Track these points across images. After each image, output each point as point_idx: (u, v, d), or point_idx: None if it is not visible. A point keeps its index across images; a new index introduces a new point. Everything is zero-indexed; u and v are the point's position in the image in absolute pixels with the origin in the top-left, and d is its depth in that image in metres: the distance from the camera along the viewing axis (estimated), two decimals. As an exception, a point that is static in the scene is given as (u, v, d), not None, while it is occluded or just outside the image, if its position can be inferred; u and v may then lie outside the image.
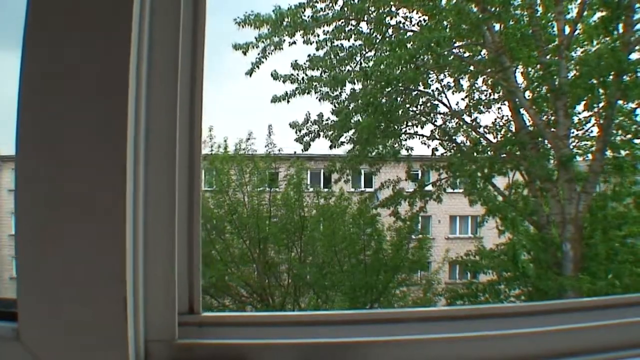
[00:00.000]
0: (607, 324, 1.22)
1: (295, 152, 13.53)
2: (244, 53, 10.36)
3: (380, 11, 10.53)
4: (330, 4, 10.42)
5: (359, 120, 11.05)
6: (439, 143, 12.41)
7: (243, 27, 10.12)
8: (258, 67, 10.48)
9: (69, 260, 0.91)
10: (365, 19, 10.63)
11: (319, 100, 10.85)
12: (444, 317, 1.21)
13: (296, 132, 11.59)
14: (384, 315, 1.20)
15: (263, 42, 10.33)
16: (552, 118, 10.65)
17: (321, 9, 10.42)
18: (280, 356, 1.07)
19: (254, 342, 1.07)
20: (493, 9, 9.81)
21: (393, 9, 10.65)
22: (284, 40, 10.38)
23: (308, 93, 10.57)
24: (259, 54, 10.38)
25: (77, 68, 0.90)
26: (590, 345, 1.19)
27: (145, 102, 0.98)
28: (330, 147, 11.76)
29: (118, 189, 0.91)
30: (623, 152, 10.47)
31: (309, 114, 11.53)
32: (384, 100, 10.99)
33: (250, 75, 10.56)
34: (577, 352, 1.17)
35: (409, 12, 10.77)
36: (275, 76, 10.62)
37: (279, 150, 14.00)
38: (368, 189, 14.63)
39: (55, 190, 0.91)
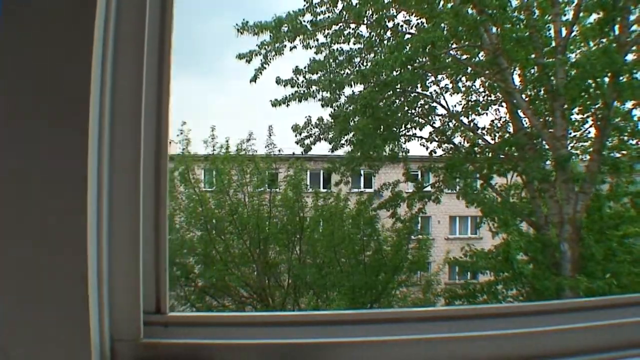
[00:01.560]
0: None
1: (293, 153, 13.58)
2: (248, 62, 10.49)
3: (379, 15, 10.57)
4: (330, 8, 10.48)
5: (356, 122, 11.10)
6: (437, 145, 12.46)
7: (242, 33, 10.20)
8: (261, 73, 10.61)
9: (31, 260, 0.92)
10: (364, 22, 10.68)
11: (322, 106, 10.94)
12: (414, 319, 1.21)
13: (296, 135, 11.66)
14: (350, 316, 1.20)
15: (265, 48, 10.43)
16: (550, 119, 10.67)
17: (321, 12, 10.48)
18: (244, 356, 1.08)
19: (217, 342, 1.08)
20: (490, 11, 9.84)
21: (392, 11, 10.69)
22: (285, 45, 10.48)
23: (306, 99, 10.63)
24: (261, 60, 10.51)
25: (37, 69, 0.92)
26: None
27: (109, 101, 0.99)
28: (331, 150, 11.82)
29: (80, 191, 0.92)
30: (619, 154, 10.49)
31: (310, 117, 11.62)
32: (381, 103, 11.02)
33: (255, 82, 10.70)
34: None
35: (408, 15, 10.82)
36: (278, 81, 10.73)
37: (279, 151, 14.05)
38: (368, 190, 14.68)
39: (17, 189, 0.91)
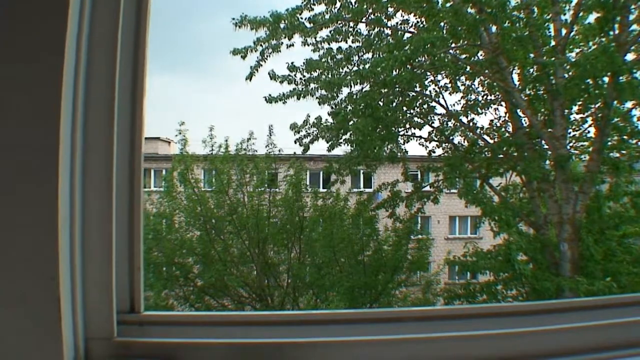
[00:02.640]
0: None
1: (294, 153, 13.54)
2: (243, 58, 10.37)
3: (378, 14, 10.53)
4: (329, 6, 10.42)
5: (355, 122, 11.06)
6: (437, 144, 12.44)
7: (240, 27, 10.12)
8: (257, 70, 10.50)
9: (2, 261, 0.93)
10: (363, 20, 10.64)
11: (319, 103, 10.86)
12: (378, 320, 1.21)
13: (295, 134, 11.62)
14: (317, 316, 1.21)
15: (261, 45, 10.33)
16: (549, 119, 10.64)
17: (319, 10, 10.43)
18: (214, 355, 1.09)
19: (192, 342, 1.10)
20: (489, 10, 9.80)
21: (390, 10, 10.65)
22: (282, 43, 10.39)
23: (304, 97, 10.56)
24: (257, 57, 10.40)
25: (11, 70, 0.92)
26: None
27: (82, 103, 0.99)
28: (329, 150, 11.78)
29: (51, 193, 0.93)
30: (618, 153, 10.47)
31: (309, 116, 11.57)
32: (380, 103, 10.99)
33: (250, 80, 10.58)
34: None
35: (407, 14, 10.78)
36: (272, 76, 10.61)
37: (279, 150, 14.02)
38: (367, 190, 14.65)
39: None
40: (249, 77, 10.48)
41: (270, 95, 10.66)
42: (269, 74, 10.52)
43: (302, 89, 10.65)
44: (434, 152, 12.45)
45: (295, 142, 11.69)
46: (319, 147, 12.13)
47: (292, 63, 10.51)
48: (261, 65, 10.47)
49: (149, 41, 1.07)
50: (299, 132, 11.58)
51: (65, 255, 0.96)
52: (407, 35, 10.74)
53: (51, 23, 0.93)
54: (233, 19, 10.07)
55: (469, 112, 11.99)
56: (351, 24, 10.68)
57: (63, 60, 0.93)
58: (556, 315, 1.25)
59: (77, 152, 0.99)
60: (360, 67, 10.57)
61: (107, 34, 1.01)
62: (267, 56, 10.43)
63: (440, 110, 12.16)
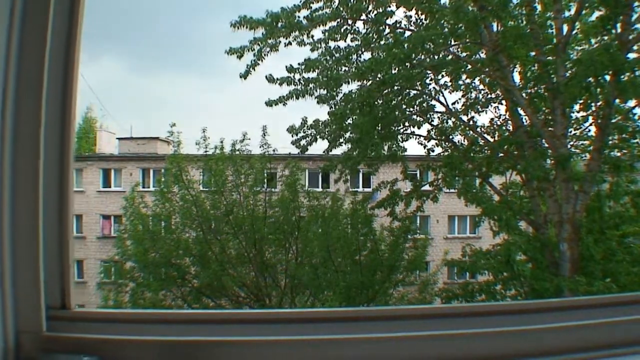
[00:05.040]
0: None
1: (290, 153, 13.47)
2: (239, 57, 10.29)
3: (378, 11, 10.44)
4: (327, 3, 10.32)
5: (354, 120, 10.98)
6: (436, 143, 12.37)
7: (238, 28, 10.03)
8: (254, 69, 10.43)
9: None
10: (362, 18, 10.54)
11: (317, 102, 10.77)
12: (313, 319, 1.25)
13: (292, 136, 11.52)
14: (248, 315, 1.26)
15: (259, 44, 10.25)
16: (550, 117, 10.57)
17: (317, 9, 10.32)
18: (140, 352, 1.13)
19: (116, 338, 1.14)
20: (490, 7, 9.72)
21: (390, 8, 10.55)
22: (279, 42, 10.31)
23: (303, 97, 10.48)
24: (254, 56, 10.32)
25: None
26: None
27: (12, 101, 1.00)
28: (329, 149, 11.69)
29: None
30: (619, 153, 10.40)
31: (306, 118, 11.48)
32: (379, 101, 10.90)
33: (245, 78, 10.50)
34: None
35: (408, 11, 10.68)
36: (270, 79, 10.54)
37: (274, 150, 13.97)
38: (367, 189, 14.58)
39: None
40: (245, 75, 10.42)
41: (269, 99, 10.61)
42: (266, 77, 10.44)
43: (301, 89, 10.57)
44: (433, 150, 12.38)
45: (293, 144, 11.60)
46: (318, 147, 12.05)
47: (290, 65, 10.42)
48: (258, 64, 10.40)
49: (82, 39, 1.10)
50: (296, 135, 11.50)
51: None
52: (408, 33, 10.65)
53: None
54: (231, 21, 9.99)
55: (469, 110, 11.91)
56: (349, 22, 10.58)
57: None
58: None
59: (6, 151, 1.02)
60: (359, 64, 10.48)
61: (37, 31, 1.03)
62: (264, 55, 10.35)
63: (440, 108, 12.09)
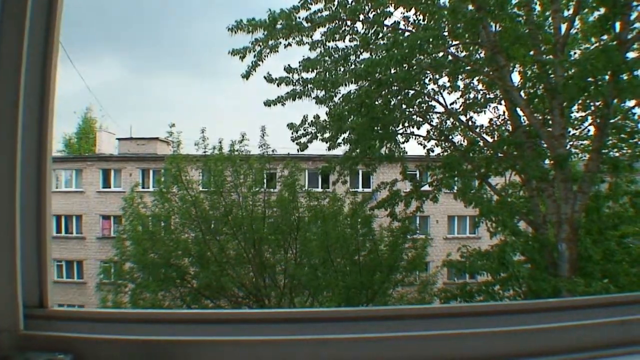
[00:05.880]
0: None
1: (289, 154, 13.46)
2: (241, 58, 10.30)
3: (375, 12, 10.42)
4: (326, 4, 10.31)
5: (351, 120, 10.96)
6: (435, 143, 12.35)
7: (235, 32, 10.04)
8: (255, 70, 10.43)
9: None
10: (361, 19, 10.52)
11: (316, 103, 10.77)
12: (291, 319, 1.25)
13: (292, 133, 11.52)
14: (222, 315, 1.27)
15: (260, 45, 10.26)
16: (548, 117, 10.54)
17: (316, 10, 10.31)
18: (113, 350, 1.14)
19: (91, 337, 1.15)
20: (489, 8, 9.69)
21: (388, 9, 10.53)
22: (279, 42, 10.31)
23: (300, 98, 10.47)
24: (254, 56, 10.32)
25: None
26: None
27: None
28: (328, 150, 11.69)
29: None
30: (618, 153, 10.37)
31: (306, 116, 11.47)
32: (378, 102, 10.88)
33: (247, 78, 10.52)
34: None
35: (406, 12, 10.66)
36: (269, 79, 10.54)
37: (273, 151, 13.97)
38: (367, 189, 14.56)
39: None
40: (246, 75, 10.43)
41: (268, 99, 10.62)
42: (264, 77, 10.45)
43: (300, 89, 10.57)
44: (433, 151, 12.36)
45: (293, 141, 11.60)
46: (318, 148, 12.04)
47: (289, 65, 10.42)
48: (259, 64, 10.40)
49: (59, 38, 1.10)
50: (296, 132, 11.49)
51: None
52: (407, 34, 10.62)
53: None
54: (229, 25, 9.99)
55: (468, 110, 11.89)
56: (348, 22, 10.57)
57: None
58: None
59: None
60: (357, 65, 10.46)
61: (14, 30, 1.03)
62: (265, 56, 10.36)
63: (439, 109, 12.07)
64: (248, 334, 1.17)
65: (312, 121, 11.40)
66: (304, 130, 11.47)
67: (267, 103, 10.63)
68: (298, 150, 11.70)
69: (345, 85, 10.28)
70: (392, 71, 9.95)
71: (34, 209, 1.12)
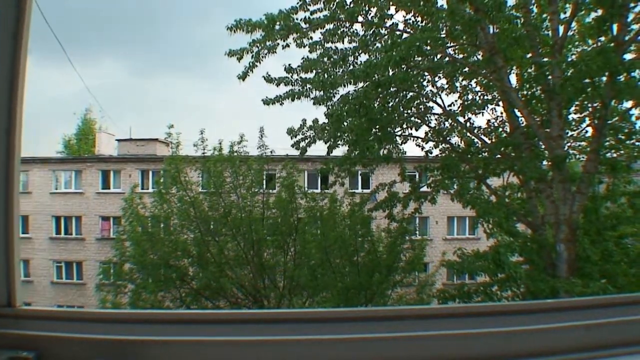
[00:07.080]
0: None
1: (287, 155, 13.46)
2: (239, 59, 10.28)
3: (373, 14, 10.43)
4: (325, 5, 10.31)
5: (350, 122, 10.98)
6: (434, 145, 12.37)
7: (235, 32, 10.02)
8: (252, 71, 10.41)
9: None
10: (360, 20, 10.54)
11: (313, 104, 10.76)
12: (253, 320, 1.26)
13: (292, 138, 11.51)
14: (182, 315, 1.27)
15: (257, 46, 10.24)
16: (546, 119, 10.56)
17: (315, 11, 10.31)
18: (77, 349, 1.16)
19: (57, 335, 1.17)
20: (486, 9, 9.70)
21: (387, 11, 10.55)
22: (278, 44, 10.30)
23: (299, 98, 10.47)
24: (252, 57, 10.31)
25: None
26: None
27: None
28: (328, 151, 11.69)
29: None
30: (616, 154, 10.39)
31: (305, 120, 11.47)
32: (376, 103, 10.89)
33: (244, 80, 10.48)
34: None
35: (405, 13, 10.67)
36: (268, 79, 10.53)
37: (271, 152, 13.98)
38: (365, 190, 14.56)
39: None
40: (243, 77, 10.41)
41: (267, 97, 10.60)
42: (263, 77, 10.44)
43: (298, 90, 10.57)
44: (431, 152, 12.38)
45: (293, 146, 11.60)
46: (317, 148, 12.04)
47: (289, 65, 10.42)
48: (256, 66, 10.39)
49: (29, 39, 1.10)
50: (296, 136, 11.49)
51: None
52: (405, 35, 10.64)
53: None
54: (228, 25, 9.98)
55: (466, 112, 11.91)
56: (347, 24, 10.58)
57: None
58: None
59: None
60: (356, 66, 10.47)
61: None
62: (262, 57, 10.34)
63: (437, 110, 12.10)
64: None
65: (311, 125, 11.42)
66: (303, 134, 11.48)
67: (266, 102, 10.62)
68: (300, 154, 11.71)
69: (344, 86, 10.29)
70: (391, 72, 9.96)
71: (1, 209, 1.13)
